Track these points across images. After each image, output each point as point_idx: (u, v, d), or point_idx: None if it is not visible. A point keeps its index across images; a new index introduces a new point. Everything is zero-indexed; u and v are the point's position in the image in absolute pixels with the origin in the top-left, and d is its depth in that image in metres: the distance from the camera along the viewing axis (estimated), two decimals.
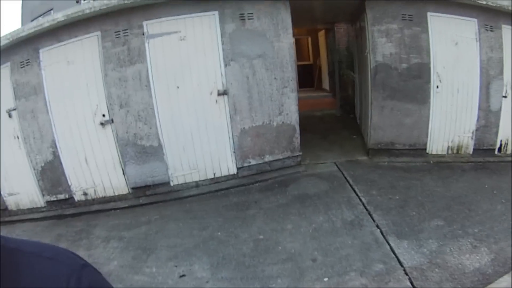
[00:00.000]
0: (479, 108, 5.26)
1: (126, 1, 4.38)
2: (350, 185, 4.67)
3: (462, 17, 5.14)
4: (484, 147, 5.33)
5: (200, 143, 4.96)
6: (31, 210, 5.19)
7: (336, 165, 5.26)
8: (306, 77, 11.45)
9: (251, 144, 5.09)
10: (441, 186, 4.54)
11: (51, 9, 10.77)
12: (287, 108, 5.11)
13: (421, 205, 4.10)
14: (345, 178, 4.87)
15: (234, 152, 5.07)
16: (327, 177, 4.97)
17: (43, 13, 10.86)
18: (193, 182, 5.09)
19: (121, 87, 4.73)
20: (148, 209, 4.81)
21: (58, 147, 4.89)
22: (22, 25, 11.60)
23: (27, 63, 4.71)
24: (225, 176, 5.13)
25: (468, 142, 5.34)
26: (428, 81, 5.21)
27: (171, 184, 5.07)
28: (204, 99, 4.84)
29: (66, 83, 4.70)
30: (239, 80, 4.88)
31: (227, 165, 5.10)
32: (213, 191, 4.99)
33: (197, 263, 3.47)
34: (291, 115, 5.14)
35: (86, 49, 4.64)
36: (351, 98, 7.96)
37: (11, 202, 5.22)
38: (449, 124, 5.29)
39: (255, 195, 4.74)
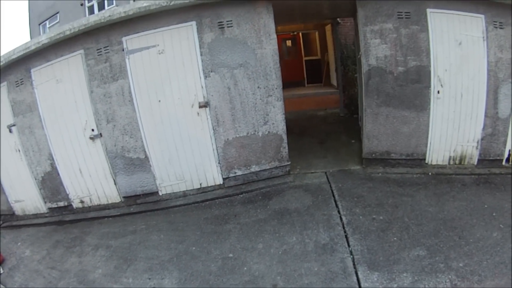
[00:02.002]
0: (486, 115, 4.56)
1: (102, 20, 4.20)
2: (334, 200, 4.29)
3: (467, 13, 4.42)
4: (490, 158, 4.65)
5: (185, 155, 4.80)
6: (35, 216, 5.44)
7: (326, 176, 4.87)
8: (314, 72, 10.79)
9: (236, 155, 4.84)
10: (434, 205, 4.01)
11: (57, 13, 10.98)
12: (273, 117, 4.75)
13: (405, 228, 3.65)
14: (332, 191, 4.49)
15: (219, 163, 4.85)
16: (313, 189, 4.61)
17: (50, 17, 11.16)
18: (180, 192, 5.00)
19: (107, 103, 4.66)
20: (137, 218, 4.81)
21: (55, 159, 5.00)
22: (29, 28, 11.93)
23: (21, 82, 4.79)
24: (211, 186, 4.97)
25: (472, 152, 4.67)
26: (428, 86, 4.58)
27: (160, 193, 5.01)
28: (185, 112, 4.64)
29: (57, 100, 4.75)
30: (220, 91, 4.60)
31: (212, 176, 4.92)
32: (199, 201, 4.85)
33: (167, 277, 3.48)
34: (277, 124, 4.78)
35: (72, 68, 4.61)
36: (357, 96, 7.31)
37: (17, 208, 5.51)
38: (451, 132, 4.65)
39: (236, 208, 4.52)
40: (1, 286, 3.90)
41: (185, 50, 4.47)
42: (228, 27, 4.49)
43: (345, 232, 3.68)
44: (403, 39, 4.57)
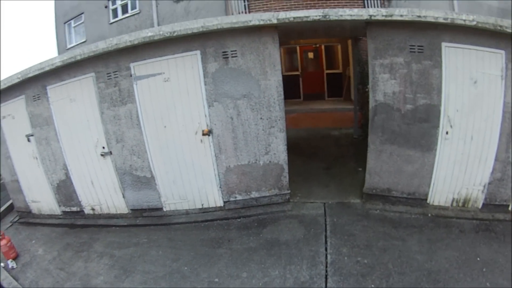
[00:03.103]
0: (496, 159, 4.72)
1: (109, 47, 4.75)
2: (325, 236, 4.76)
3: (485, 49, 4.47)
4: (496, 202, 4.85)
5: (188, 177, 5.40)
6: (50, 216, 6.44)
7: (324, 208, 5.32)
8: (335, 86, 11.07)
9: (237, 181, 5.37)
10: (424, 253, 4.33)
11: (82, 13, 11.61)
12: (275, 147, 5.18)
13: (387, 276, 4.05)
14: (325, 226, 4.94)
15: (220, 187, 5.41)
16: (308, 221, 5.08)
17: (75, 17, 11.89)
18: (183, 210, 5.67)
19: (116, 124, 5.30)
20: (141, 231, 5.57)
21: (69, 170, 5.82)
22: (55, 26, 12.67)
23: (38, 97, 5.55)
24: (212, 207, 5.60)
25: (477, 196, 4.87)
26: (436, 126, 4.77)
27: (164, 209, 5.71)
28: (189, 138, 5.19)
29: (71, 117, 5.49)
30: (223, 120, 5.07)
31: (214, 198, 5.52)
32: (200, 221, 5.50)
33: None
34: (279, 154, 5.22)
35: (84, 89, 5.25)
36: None
37: (34, 207, 6.54)
38: (457, 174, 4.87)
39: (232, 233, 5.12)
40: (13, 281, 4.76)
41: (189, 79, 4.93)
42: (232, 57, 4.86)
43: (326, 272, 4.16)
44: (413, 75, 4.73)
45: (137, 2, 10.97)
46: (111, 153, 5.46)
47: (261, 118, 5.06)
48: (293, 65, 12.07)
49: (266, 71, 4.90)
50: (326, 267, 4.21)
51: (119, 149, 5.41)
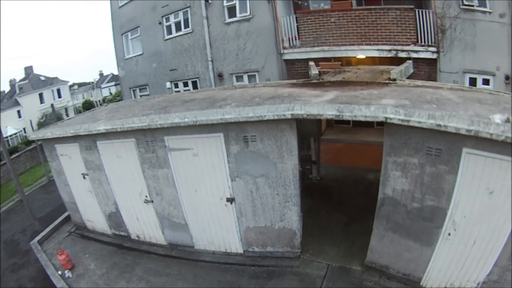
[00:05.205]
0: (495, 265, 5.11)
1: (143, 126, 6.15)
2: None
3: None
4: None
5: (215, 229, 6.96)
6: (102, 234, 8.55)
7: (326, 270, 6.47)
8: None
9: (255, 238, 6.69)
10: None
11: (138, 27, 12.45)
12: (288, 217, 6.31)
13: None
14: None
15: (241, 240, 6.88)
16: (307, 281, 6.38)
17: (131, 29, 13.01)
18: (210, 250, 7.23)
19: (156, 182, 6.81)
20: (174, 263, 7.38)
21: (118, 206, 7.65)
22: (113, 36, 13.72)
23: (89, 148, 7.22)
24: (234, 253, 7.09)
25: None
26: (440, 226, 5.40)
27: (195, 247, 7.42)
28: (216, 202, 6.59)
29: (118, 169, 7.16)
30: (244, 193, 6.26)
31: (235, 247, 7.07)
32: (222, 262, 7.12)
33: None
34: (292, 223, 6.37)
35: (128, 150, 6.74)
36: None
37: (89, 225, 8.76)
38: (452, 270, 5.59)
39: (243, 280, 6.64)
40: None
41: (215, 156, 6.15)
42: (252, 141, 5.91)
43: None
44: (425, 178, 5.27)
45: (189, 21, 11.79)
46: (152, 201, 7.10)
47: (277, 194, 6.10)
48: None
49: (283, 155, 5.83)
50: None
51: (159, 200, 6.98)
